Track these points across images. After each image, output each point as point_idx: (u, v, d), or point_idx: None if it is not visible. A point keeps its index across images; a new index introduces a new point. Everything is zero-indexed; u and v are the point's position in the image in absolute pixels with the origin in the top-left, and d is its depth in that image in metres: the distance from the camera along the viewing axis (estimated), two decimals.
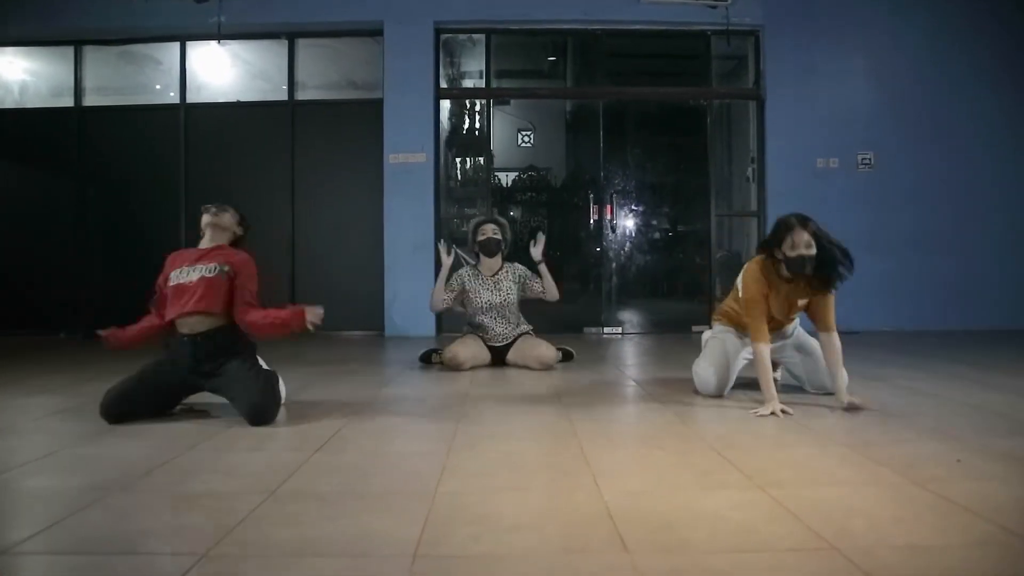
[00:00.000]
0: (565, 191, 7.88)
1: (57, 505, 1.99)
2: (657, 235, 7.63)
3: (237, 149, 7.55)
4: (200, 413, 3.14)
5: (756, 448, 2.57)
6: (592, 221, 7.49)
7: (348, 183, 7.53)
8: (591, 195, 7.51)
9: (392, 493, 2.09)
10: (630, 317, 7.58)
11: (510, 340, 4.71)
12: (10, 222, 7.68)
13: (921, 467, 2.26)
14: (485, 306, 4.68)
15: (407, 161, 7.19)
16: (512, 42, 7.85)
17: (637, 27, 7.48)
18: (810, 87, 7.40)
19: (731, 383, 3.56)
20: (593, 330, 7.41)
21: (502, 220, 4.85)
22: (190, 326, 3.08)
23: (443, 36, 7.56)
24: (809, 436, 2.73)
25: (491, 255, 4.75)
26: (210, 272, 3.13)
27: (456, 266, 4.83)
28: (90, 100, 7.74)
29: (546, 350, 4.57)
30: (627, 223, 7.56)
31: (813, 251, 3.20)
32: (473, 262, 4.88)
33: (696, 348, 3.89)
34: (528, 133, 9.12)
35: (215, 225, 3.27)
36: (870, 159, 7.41)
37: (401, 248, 7.20)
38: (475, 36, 7.65)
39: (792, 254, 3.23)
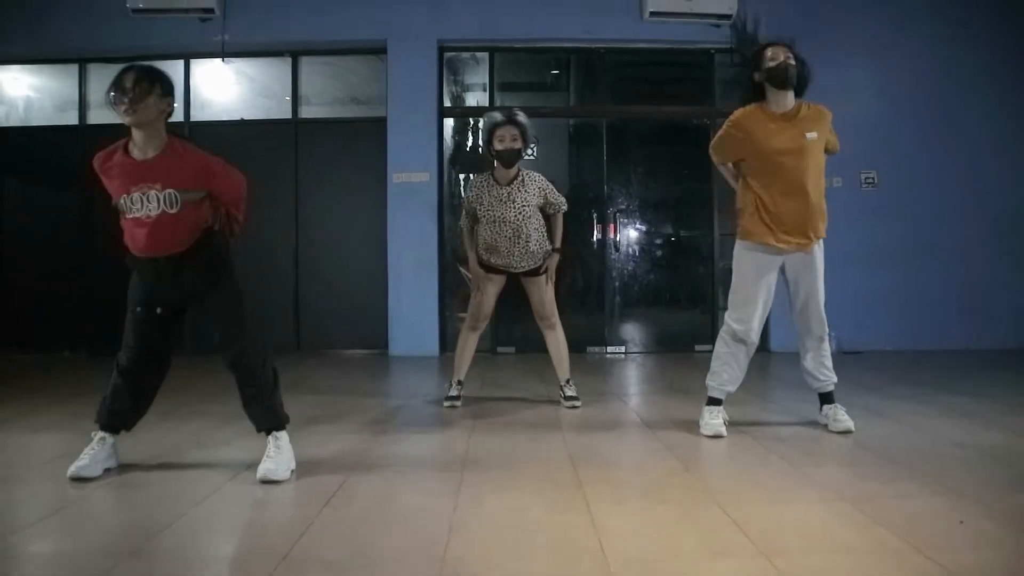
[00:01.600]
0: (568, 208, 7.83)
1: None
2: (660, 253, 7.63)
3: (241, 167, 7.51)
4: None
5: (759, 503, 2.58)
6: (595, 240, 7.51)
7: (352, 201, 7.55)
8: (594, 213, 7.52)
9: (400, 559, 2.11)
10: (633, 336, 7.59)
11: (528, 267, 4.28)
12: (15, 240, 7.71)
13: (923, 528, 2.28)
14: (498, 222, 4.16)
15: (411, 180, 7.20)
16: (515, 59, 7.86)
17: (640, 45, 7.49)
18: None
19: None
20: (596, 349, 7.42)
21: (522, 121, 4.10)
22: (155, 253, 2.83)
23: (446, 54, 7.57)
24: (812, 488, 2.74)
25: (508, 166, 4.14)
26: (173, 207, 2.74)
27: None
28: (94, 118, 7.75)
29: (552, 299, 4.35)
30: (630, 241, 7.56)
31: (793, 60, 3.43)
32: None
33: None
34: (531, 146, 9.12)
35: (140, 124, 2.71)
36: (873, 178, 7.42)
37: (405, 266, 7.21)
38: (478, 54, 7.66)
39: (773, 64, 3.43)
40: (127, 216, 2.77)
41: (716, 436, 3.52)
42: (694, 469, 3.03)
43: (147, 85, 2.71)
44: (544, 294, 4.38)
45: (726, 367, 3.67)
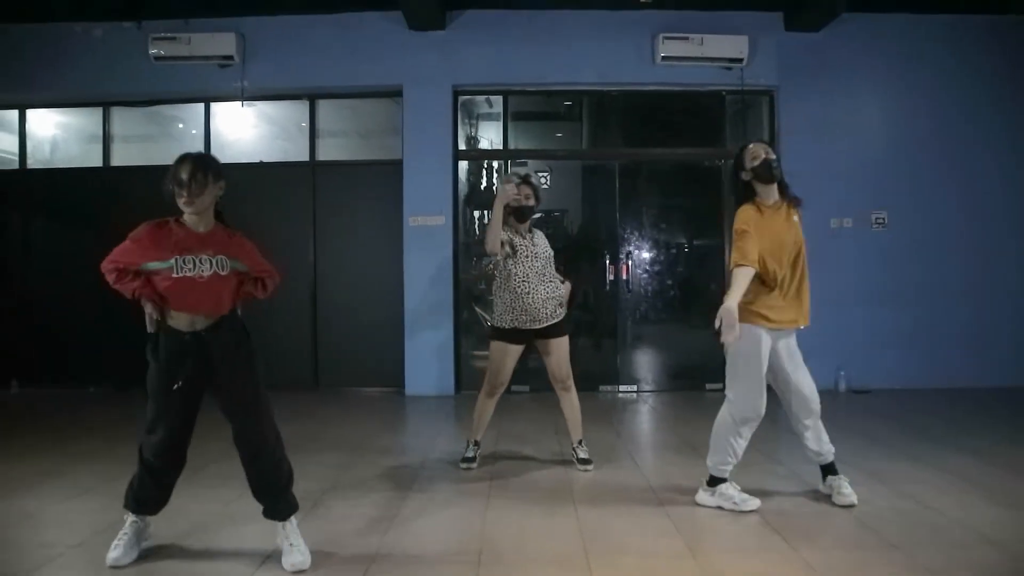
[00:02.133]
0: (581, 244, 7.95)
1: None
2: (672, 293, 7.73)
3: (260, 208, 7.68)
4: None
5: None
6: (608, 280, 7.63)
7: (369, 242, 7.72)
8: (607, 254, 7.65)
9: None
10: (644, 375, 7.71)
11: (552, 320, 4.48)
12: (41, 278, 7.93)
13: None
14: (530, 258, 4.46)
15: (426, 224, 7.36)
16: (529, 100, 8.00)
17: (652, 88, 7.62)
18: (824, 146, 7.48)
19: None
20: (608, 388, 7.55)
21: (535, 183, 4.60)
22: (191, 322, 2.98)
23: (461, 98, 7.72)
24: None
25: (522, 221, 4.54)
26: (224, 269, 2.97)
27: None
28: (117, 159, 7.95)
29: (568, 364, 4.56)
30: (642, 282, 7.68)
31: (774, 155, 3.64)
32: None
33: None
34: (544, 174, 9.26)
35: (201, 212, 2.98)
36: (884, 218, 7.50)
37: (421, 307, 7.38)
38: (492, 97, 7.81)
39: (757, 163, 3.62)
40: (174, 275, 2.90)
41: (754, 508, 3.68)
42: (699, 554, 3.15)
43: (202, 178, 2.92)
44: (562, 355, 4.56)
45: (733, 449, 3.77)
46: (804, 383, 3.78)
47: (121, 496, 3.18)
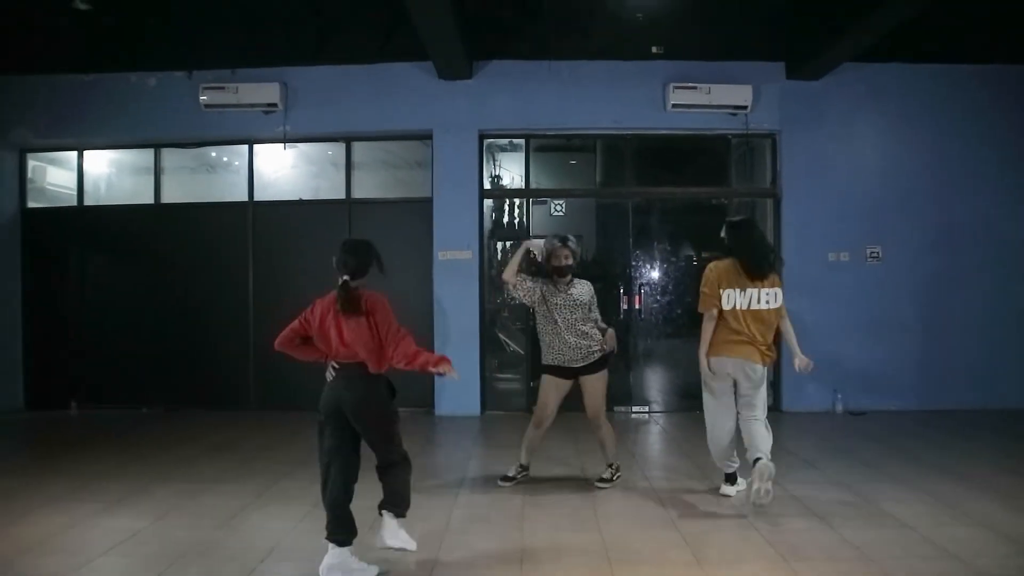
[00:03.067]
0: (596, 272, 8.53)
1: None
2: (681, 322, 8.30)
3: (299, 242, 8.30)
4: None
5: None
6: (623, 309, 8.24)
7: (400, 274, 8.25)
8: (621, 285, 8.27)
9: None
10: (656, 396, 8.32)
11: (588, 360, 5.07)
12: (97, 307, 8.61)
13: None
14: (560, 307, 5.03)
15: (455, 258, 7.99)
16: (550, 143, 8.64)
17: (663, 132, 8.25)
18: (822, 185, 8.08)
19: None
20: (622, 408, 8.15)
21: (573, 247, 5.13)
22: None
23: (486, 141, 8.37)
24: None
25: (562, 276, 5.09)
26: None
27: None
28: (167, 196, 8.62)
29: (600, 403, 5.15)
30: (654, 311, 8.30)
31: None
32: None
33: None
34: (560, 203, 9.89)
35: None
36: (878, 252, 8.08)
37: (450, 335, 8.00)
38: (515, 141, 8.47)
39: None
40: None
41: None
42: (704, 563, 3.75)
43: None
44: (595, 393, 5.13)
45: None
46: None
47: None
